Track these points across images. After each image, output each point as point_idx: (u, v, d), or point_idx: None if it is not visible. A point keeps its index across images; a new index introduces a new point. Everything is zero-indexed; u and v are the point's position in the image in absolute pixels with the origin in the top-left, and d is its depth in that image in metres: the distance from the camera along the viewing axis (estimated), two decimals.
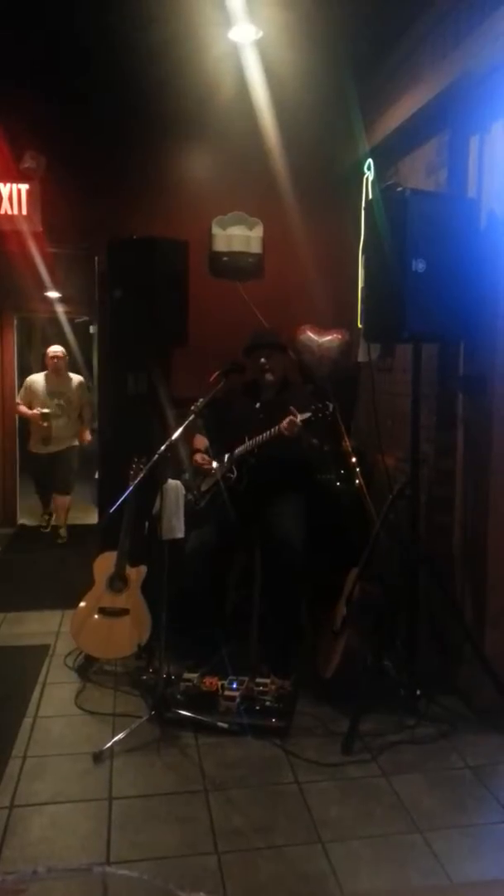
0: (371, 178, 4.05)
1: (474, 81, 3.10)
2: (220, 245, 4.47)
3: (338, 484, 3.90)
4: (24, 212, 4.27)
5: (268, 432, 3.42)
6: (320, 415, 3.28)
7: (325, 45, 3.63)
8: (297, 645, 3.58)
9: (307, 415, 3.30)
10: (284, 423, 3.33)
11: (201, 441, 3.84)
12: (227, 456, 3.63)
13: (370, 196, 3.87)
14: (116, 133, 4.29)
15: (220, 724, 2.99)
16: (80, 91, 4.09)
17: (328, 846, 2.32)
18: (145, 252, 3.87)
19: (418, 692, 3.19)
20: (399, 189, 3.05)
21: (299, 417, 3.30)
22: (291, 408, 3.35)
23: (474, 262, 3.07)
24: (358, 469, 3.79)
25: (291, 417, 3.31)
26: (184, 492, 3.27)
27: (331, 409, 3.29)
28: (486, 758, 2.85)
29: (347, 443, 3.90)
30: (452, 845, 2.33)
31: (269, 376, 3.68)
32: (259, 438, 3.47)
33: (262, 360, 3.66)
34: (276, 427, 3.37)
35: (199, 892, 0.65)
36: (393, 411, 3.85)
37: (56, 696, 3.35)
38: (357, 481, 3.77)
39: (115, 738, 2.89)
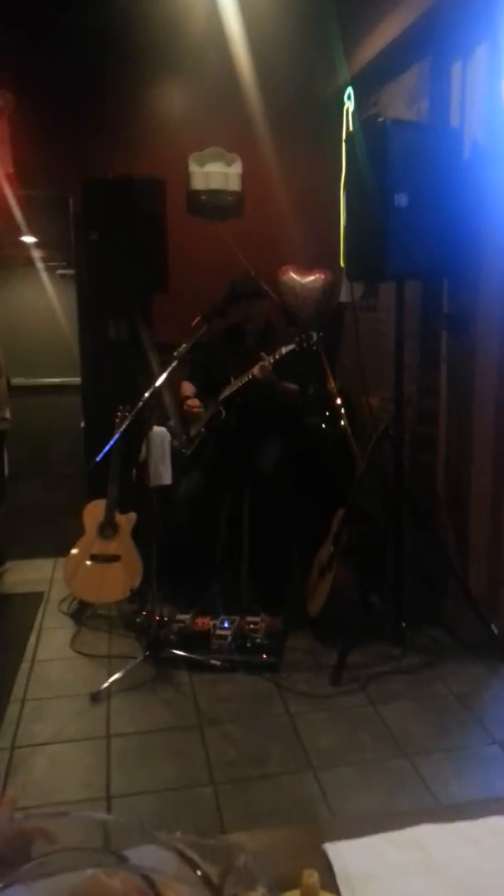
0: (351, 109, 3.92)
1: (456, 4, 2.97)
2: (198, 183, 4.35)
3: (322, 425, 3.92)
4: None
5: (242, 377, 3.43)
6: (304, 345, 3.28)
7: None
8: (287, 583, 3.66)
9: (291, 346, 3.30)
10: (255, 368, 3.34)
11: (188, 387, 3.82)
12: (214, 398, 3.63)
13: (350, 127, 3.76)
14: (87, 68, 4.10)
15: (212, 661, 3.07)
16: (48, 25, 3.89)
17: (319, 773, 2.43)
18: (121, 192, 3.76)
19: (404, 625, 3.28)
20: (380, 119, 2.96)
21: (284, 349, 3.32)
22: (262, 353, 3.37)
23: (457, 196, 3.01)
24: (342, 410, 3.80)
25: (262, 363, 3.34)
26: (169, 438, 3.28)
27: (314, 338, 3.28)
28: (470, 685, 2.96)
29: (332, 384, 3.90)
30: (438, 768, 2.44)
31: (251, 324, 3.65)
32: (236, 383, 3.47)
33: (245, 309, 3.62)
34: (249, 372, 3.38)
35: (175, 832, 0.68)
36: (377, 351, 3.83)
37: (52, 641, 3.42)
38: (342, 422, 3.78)
39: (112, 679, 2.97)
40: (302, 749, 2.57)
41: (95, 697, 2.89)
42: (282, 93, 4.20)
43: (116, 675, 2.98)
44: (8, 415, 4.14)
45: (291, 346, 3.31)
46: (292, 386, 3.55)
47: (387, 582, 3.37)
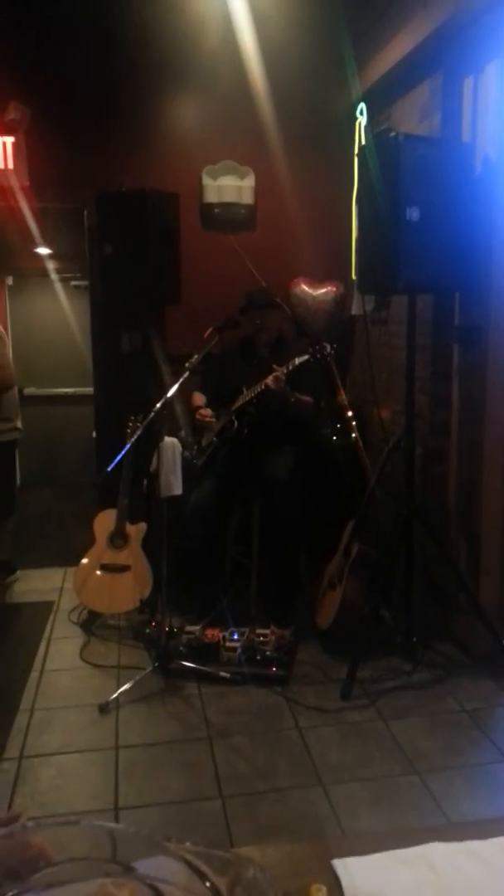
0: (364, 124, 3.94)
1: (468, 20, 2.99)
2: (211, 196, 4.38)
3: (334, 438, 3.92)
4: (10, 165, 4.17)
5: (255, 388, 3.44)
6: (318, 356, 3.30)
7: None
8: (296, 596, 3.65)
9: (305, 357, 3.32)
10: (269, 378, 3.36)
11: (200, 398, 3.84)
12: (227, 408, 3.64)
13: (363, 142, 3.78)
14: (103, 83, 4.16)
15: (222, 673, 3.06)
16: (65, 40, 3.94)
17: (329, 788, 2.41)
18: (135, 205, 3.79)
19: (414, 639, 3.26)
20: (392, 134, 2.97)
21: (297, 360, 3.34)
22: (274, 366, 3.38)
23: (469, 210, 3.02)
24: (354, 422, 3.80)
25: (276, 373, 3.35)
26: (181, 449, 3.29)
27: (328, 349, 3.31)
28: (481, 701, 2.93)
29: (343, 396, 3.90)
30: (449, 786, 2.42)
31: (264, 336, 3.68)
32: (249, 393, 3.49)
33: (258, 321, 3.65)
34: (262, 383, 3.39)
35: (185, 842, 0.67)
36: (388, 364, 3.83)
37: (61, 651, 3.42)
38: (353, 434, 3.78)
39: (121, 690, 2.96)
40: (311, 764, 2.55)
41: (104, 708, 2.89)
42: (295, 107, 4.24)
43: (125, 686, 2.98)
44: (20, 424, 4.17)
45: (305, 357, 3.32)
46: (306, 398, 3.55)
47: (397, 596, 3.35)
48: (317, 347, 3.32)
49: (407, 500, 3.20)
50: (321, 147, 4.38)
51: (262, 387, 3.41)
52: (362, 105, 3.92)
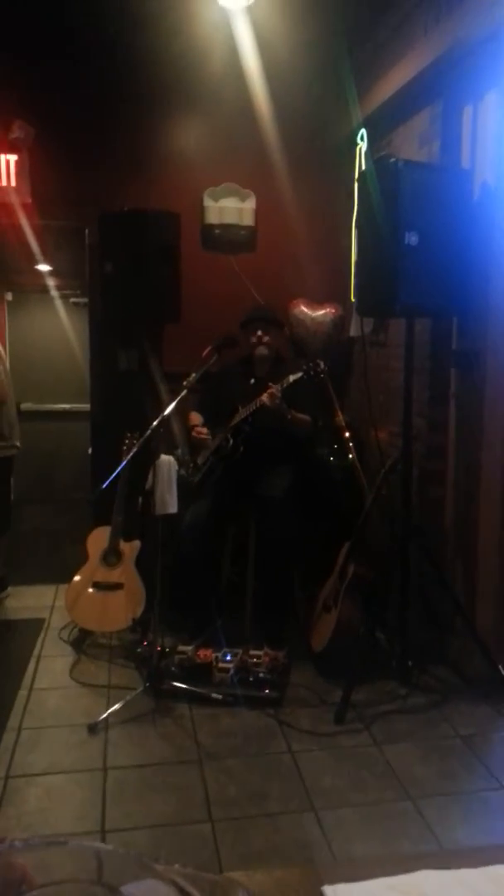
0: (364, 149, 4.00)
1: (468, 50, 3.04)
2: (212, 217, 4.42)
3: (331, 458, 3.91)
4: (13, 183, 4.21)
5: (251, 405, 3.44)
6: (312, 373, 3.32)
7: (317, 12, 3.56)
8: (290, 617, 3.62)
9: (299, 374, 3.33)
10: (264, 395, 3.36)
11: (196, 417, 3.84)
12: (223, 427, 3.64)
13: (363, 167, 3.82)
14: (106, 103, 4.21)
15: (214, 695, 3.03)
16: (69, 60, 4.00)
17: (321, 814, 2.37)
18: (136, 224, 3.83)
19: (410, 663, 3.23)
20: (392, 160, 3.01)
21: (292, 377, 3.35)
22: (270, 383, 3.39)
23: (467, 235, 3.04)
24: (351, 444, 3.80)
25: (271, 390, 3.36)
26: (177, 467, 3.28)
27: (322, 366, 3.32)
28: (477, 727, 2.90)
29: (340, 417, 3.90)
30: (442, 812, 2.38)
31: (262, 349, 3.68)
32: (245, 410, 3.49)
33: (259, 332, 3.66)
34: (257, 400, 3.39)
35: (174, 864, 0.66)
36: (386, 386, 3.84)
37: (51, 669, 3.38)
38: (350, 456, 3.78)
39: (110, 710, 2.92)
40: (303, 788, 2.51)
41: (93, 728, 2.85)
42: (296, 131, 4.30)
43: (115, 707, 2.94)
44: (18, 442, 4.16)
45: (299, 374, 3.34)
46: (303, 416, 3.55)
47: (393, 618, 3.33)
48: (310, 364, 3.35)
49: (403, 521, 3.19)
50: (322, 171, 4.43)
51: (258, 404, 3.42)
52: (363, 131, 3.98)
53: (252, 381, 3.70)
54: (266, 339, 3.67)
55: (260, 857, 2.18)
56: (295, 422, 3.52)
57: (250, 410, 3.49)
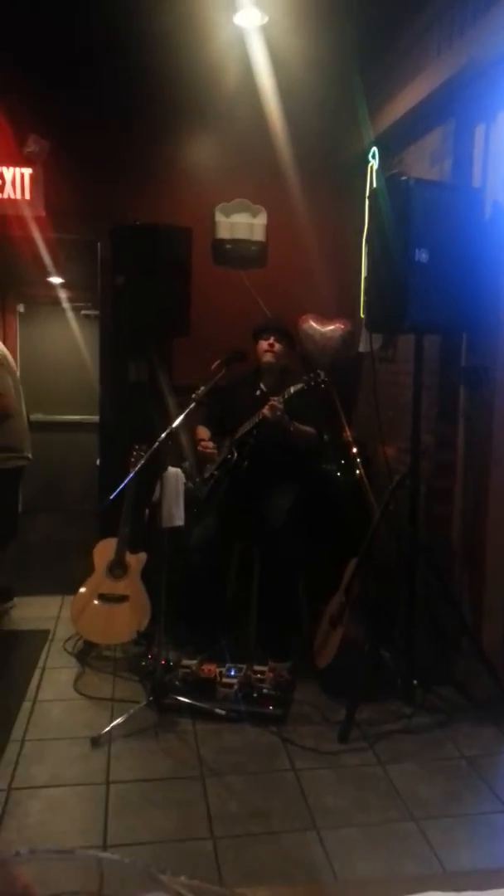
0: (375, 167, 4.02)
1: (480, 70, 3.07)
2: (224, 232, 4.45)
3: (338, 474, 3.91)
4: (27, 196, 4.25)
5: (253, 417, 3.45)
6: (313, 383, 3.32)
7: (331, 31, 3.59)
8: (295, 634, 3.60)
9: (300, 385, 3.33)
10: (265, 407, 3.36)
11: (203, 431, 3.84)
12: (228, 440, 3.64)
13: (374, 185, 3.85)
14: (120, 118, 4.26)
15: (217, 710, 3.01)
16: (85, 75, 4.05)
17: (323, 833, 2.34)
18: (148, 239, 3.85)
19: (415, 682, 3.20)
20: (403, 178, 3.03)
21: (293, 389, 3.35)
22: (271, 396, 3.40)
23: (477, 253, 3.05)
24: (358, 459, 3.80)
25: (272, 401, 3.36)
26: (184, 480, 3.28)
27: (322, 376, 3.32)
28: (482, 748, 2.87)
29: (348, 433, 3.90)
30: (447, 834, 2.35)
31: (269, 357, 3.67)
32: (247, 424, 3.49)
33: (271, 339, 3.67)
34: (259, 413, 3.40)
35: (180, 876, 0.65)
36: (394, 402, 3.84)
37: (55, 681, 3.37)
38: (357, 471, 3.77)
39: (114, 723, 2.91)
40: (306, 807, 2.49)
41: (96, 741, 2.83)
42: (308, 149, 4.33)
43: (119, 720, 2.93)
44: (28, 454, 4.17)
45: (300, 385, 3.34)
46: (307, 428, 3.54)
47: (399, 637, 3.30)
48: (311, 375, 3.35)
49: (410, 538, 3.18)
50: (333, 188, 4.46)
51: (259, 416, 3.42)
52: (375, 149, 4.00)
53: (258, 393, 3.71)
54: (276, 347, 3.67)
55: (261, 875, 2.15)
56: (298, 434, 3.51)
57: (253, 423, 3.49)
